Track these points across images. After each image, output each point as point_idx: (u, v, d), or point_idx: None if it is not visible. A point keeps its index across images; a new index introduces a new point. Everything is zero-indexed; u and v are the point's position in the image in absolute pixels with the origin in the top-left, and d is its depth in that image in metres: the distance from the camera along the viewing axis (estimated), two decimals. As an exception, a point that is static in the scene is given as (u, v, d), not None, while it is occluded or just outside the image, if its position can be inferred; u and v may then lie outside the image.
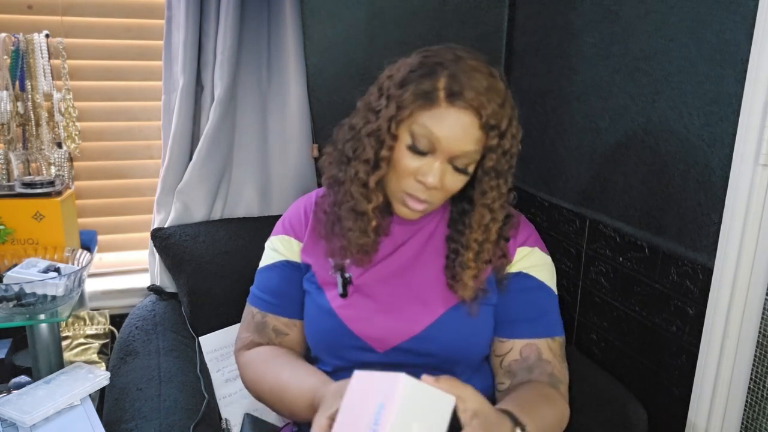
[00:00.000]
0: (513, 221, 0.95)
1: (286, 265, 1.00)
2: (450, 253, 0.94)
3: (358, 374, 0.69)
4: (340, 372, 0.96)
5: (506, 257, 0.95)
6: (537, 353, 0.93)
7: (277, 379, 0.92)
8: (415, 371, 0.92)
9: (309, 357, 1.03)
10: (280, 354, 0.97)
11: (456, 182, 0.87)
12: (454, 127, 0.82)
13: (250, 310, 1.03)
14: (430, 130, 0.82)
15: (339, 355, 0.96)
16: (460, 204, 0.94)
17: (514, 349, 0.94)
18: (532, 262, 0.96)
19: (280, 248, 1.01)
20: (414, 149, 0.84)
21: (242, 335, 1.03)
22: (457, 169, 0.86)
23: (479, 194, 0.88)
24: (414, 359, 0.93)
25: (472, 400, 0.70)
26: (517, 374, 0.94)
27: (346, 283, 0.94)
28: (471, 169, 0.87)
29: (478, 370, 0.98)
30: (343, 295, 0.94)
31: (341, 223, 0.92)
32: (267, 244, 1.04)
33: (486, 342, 0.97)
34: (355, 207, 0.90)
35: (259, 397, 0.97)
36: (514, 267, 0.96)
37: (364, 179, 0.88)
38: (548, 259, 0.99)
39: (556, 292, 0.98)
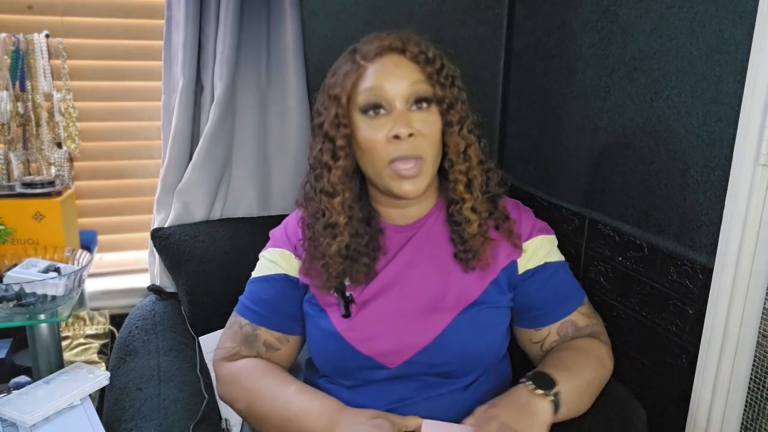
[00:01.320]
0: (498, 178, 0.96)
1: (284, 279, 0.98)
2: (452, 225, 0.93)
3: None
4: (353, 389, 0.94)
5: (510, 219, 0.95)
6: (573, 327, 0.96)
7: (279, 393, 0.89)
8: (430, 380, 0.93)
9: (294, 371, 1.02)
10: (277, 370, 0.95)
11: (428, 121, 0.87)
12: (386, 68, 0.86)
13: (237, 320, 0.99)
14: (370, 86, 0.85)
15: (351, 375, 0.94)
16: (447, 193, 0.94)
17: (551, 333, 0.97)
18: (546, 249, 0.98)
19: (279, 261, 0.98)
20: (369, 110, 0.86)
21: (226, 345, 0.99)
22: (419, 106, 0.86)
23: (447, 135, 0.89)
24: (428, 369, 0.92)
25: (482, 414, 0.81)
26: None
27: (348, 302, 0.92)
28: (433, 104, 0.88)
29: (497, 366, 0.99)
30: (346, 315, 0.92)
31: (323, 251, 0.90)
32: (264, 254, 1.01)
33: (500, 344, 0.97)
34: (327, 221, 0.89)
35: (250, 411, 0.92)
36: (531, 262, 0.96)
37: (328, 178, 0.89)
38: (552, 236, 1.01)
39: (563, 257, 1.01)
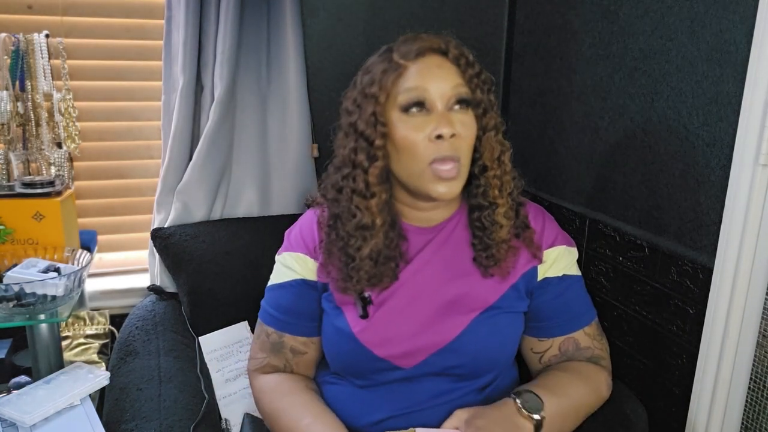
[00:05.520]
0: (521, 183, 0.96)
1: (302, 284, 0.97)
2: (476, 231, 0.92)
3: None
4: (366, 389, 0.95)
5: (530, 228, 0.95)
6: (575, 345, 0.96)
7: (296, 423, 0.90)
8: (444, 382, 0.92)
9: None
10: (298, 390, 0.95)
11: (467, 123, 0.86)
12: (429, 69, 0.85)
13: (263, 329, 1.00)
14: (412, 85, 0.84)
15: (363, 376, 0.94)
16: (475, 198, 0.93)
17: (553, 346, 0.96)
18: (567, 261, 0.98)
19: (295, 266, 0.98)
20: (411, 108, 0.85)
21: (257, 356, 1.00)
22: (460, 106, 0.86)
23: (483, 140, 0.90)
24: (442, 370, 0.92)
25: (458, 416, 0.80)
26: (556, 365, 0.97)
27: (366, 303, 0.91)
28: (470, 108, 0.87)
29: (509, 369, 1.00)
30: (364, 316, 0.91)
31: (352, 253, 0.89)
32: (279, 259, 1.01)
33: (513, 348, 0.97)
34: (360, 222, 0.88)
35: (271, 428, 0.96)
36: (551, 270, 0.96)
37: (364, 178, 0.87)
38: (574, 249, 1.01)
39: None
